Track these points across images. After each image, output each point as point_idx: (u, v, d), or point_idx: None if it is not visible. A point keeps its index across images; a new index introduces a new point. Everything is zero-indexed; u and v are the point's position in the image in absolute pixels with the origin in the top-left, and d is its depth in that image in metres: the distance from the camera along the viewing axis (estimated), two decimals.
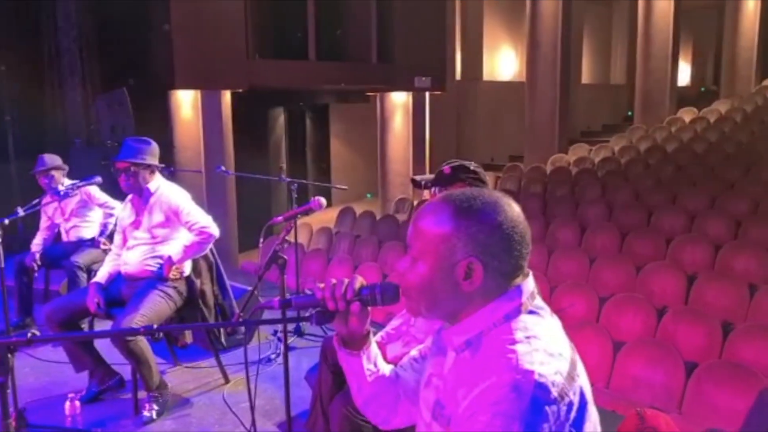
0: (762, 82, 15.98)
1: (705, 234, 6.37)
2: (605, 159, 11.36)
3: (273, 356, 4.50)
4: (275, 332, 4.68)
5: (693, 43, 22.95)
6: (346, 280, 1.41)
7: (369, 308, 1.44)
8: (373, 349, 1.54)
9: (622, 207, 7.66)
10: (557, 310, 1.33)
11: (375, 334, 2.16)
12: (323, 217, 9.77)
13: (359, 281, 1.42)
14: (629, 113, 17.53)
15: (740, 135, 11.70)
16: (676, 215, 7.04)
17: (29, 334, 1.53)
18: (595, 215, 7.62)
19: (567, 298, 5.08)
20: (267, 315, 4.09)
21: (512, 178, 11.28)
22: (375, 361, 1.54)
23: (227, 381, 4.16)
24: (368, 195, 15.17)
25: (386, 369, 1.57)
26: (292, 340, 4.84)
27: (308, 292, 1.44)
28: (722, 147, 10.84)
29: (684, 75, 21.73)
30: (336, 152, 15.03)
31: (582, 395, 1.15)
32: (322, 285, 1.42)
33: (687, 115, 13.94)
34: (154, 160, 3.86)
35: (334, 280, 1.41)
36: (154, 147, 3.87)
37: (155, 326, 1.71)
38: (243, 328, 4.48)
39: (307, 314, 1.46)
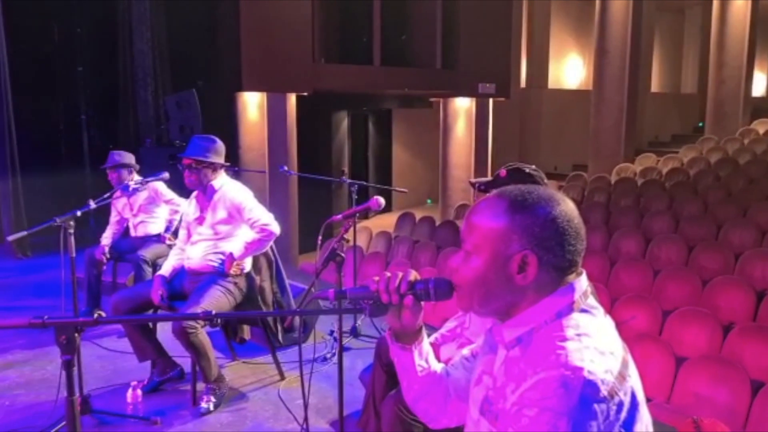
0: None
1: None
2: (673, 170, 11.04)
3: (328, 355, 4.55)
4: (331, 332, 4.72)
5: None
6: (401, 274, 1.41)
7: (422, 303, 1.44)
8: (425, 345, 1.54)
9: (690, 219, 7.43)
10: (618, 323, 1.30)
11: (429, 335, 2.16)
12: (383, 221, 9.83)
13: (413, 275, 1.42)
14: (700, 124, 16.97)
15: None
16: (746, 229, 6.78)
17: (96, 315, 1.59)
18: (661, 227, 7.42)
19: (629, 311, 4.94)
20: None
21: (575, 187, 11.11)
22: (426, 358, 1.54)
23: (283, 378, 4.23)
24: (428, 201, 15.16)
25: (437, 366, 1.56)
26: (347, 340, 4.88)
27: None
28: None
29: (759, 85, 20.88)
30: (398, 157, 15.07)
31: (633, 396, 1.12)
32: (377, 278, 1.43)
33: (761, 126, 13.41)
34: (219, 158, 3.94)
35: (388, 274, 1.42)
36: (220, 145, 3.96)
37: (214, 312, 1.75)
38: (299, 326, 4.54)
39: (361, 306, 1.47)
